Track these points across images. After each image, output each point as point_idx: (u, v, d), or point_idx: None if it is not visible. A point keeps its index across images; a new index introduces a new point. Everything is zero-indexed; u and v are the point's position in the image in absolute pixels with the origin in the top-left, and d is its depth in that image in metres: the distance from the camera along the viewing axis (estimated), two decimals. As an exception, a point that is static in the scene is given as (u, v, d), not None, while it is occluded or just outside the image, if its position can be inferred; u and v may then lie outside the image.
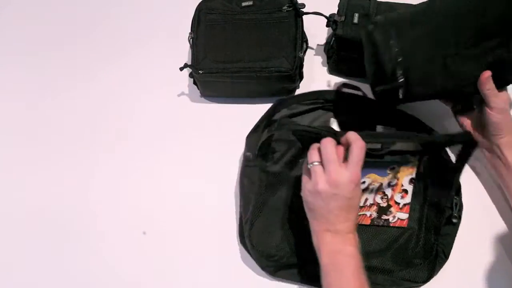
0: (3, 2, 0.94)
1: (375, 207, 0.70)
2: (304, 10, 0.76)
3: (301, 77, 0.77)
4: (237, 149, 0.75)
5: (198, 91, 0.80)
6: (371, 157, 0.67)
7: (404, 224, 0.69)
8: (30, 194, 0.75)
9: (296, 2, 0.75)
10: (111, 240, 0.71)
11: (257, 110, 0.74)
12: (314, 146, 0.58)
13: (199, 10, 0.78)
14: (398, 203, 0.69)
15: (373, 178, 0.69)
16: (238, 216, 0.70)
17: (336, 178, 0.54)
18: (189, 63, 0.75)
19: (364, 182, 0.69)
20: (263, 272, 0.67)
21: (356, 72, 0.80)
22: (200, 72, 0.73)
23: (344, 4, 0.75)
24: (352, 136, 0.56)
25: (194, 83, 0.78)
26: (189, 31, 0.77)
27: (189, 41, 0.77)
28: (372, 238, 0.69)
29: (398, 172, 0.69)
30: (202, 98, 0.81)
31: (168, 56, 0.84)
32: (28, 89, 0.85)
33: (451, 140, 0.64)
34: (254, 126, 0.71)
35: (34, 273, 0.70)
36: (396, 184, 0.69)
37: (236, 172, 0.74)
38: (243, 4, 0.77)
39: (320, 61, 0.84)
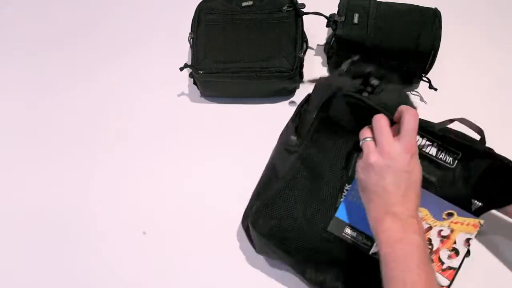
0: (4, 2, 0.94)
1: None
2: (304, 10, 0.76)
3: (301, 77, 0.77)
4: (238, 149, 0.75)
5: (198, 91, 0.80)
6: (428, 187, 0.58)
7: None
8: (30, 194, 0.75)
9: (296, 2, 0.75)
10: (111, 240, 0.71)
11: (257, 110, 0.74)
12: (367, 126, 0.56)
13: (199, 10, 0.78)
14: (442, 262, 0.57)
15: (423, 215, 0.58)
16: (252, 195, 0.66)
17: (389, 149, 0.51)
18: (189, 63, 0.75)
19: None
20: (263, 273, 0.67)
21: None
22: (200, 72, 0.73)
23: (344, 4, 0.75)
24: (403, 107, 0.53)
25: (194, 83, 0.78)
26: (189, 31, 0.77)
27: (189, 41, 0.77)
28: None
29: (455, 222, 0.58)
30: (202, 98, 0.81)
31: (168, 56, 0.84)
32: (28, 89, 0.85)
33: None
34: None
35: (34, 273, 0.69)
36: (448, 237, 0.58)
37: (237, 172, 0.74)
38: (243, 4, 0.77)
39: (320, 61, 0.84)
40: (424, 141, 0.60)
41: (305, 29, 0.77)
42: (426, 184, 0.58)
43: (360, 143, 0.55)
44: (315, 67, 0.83)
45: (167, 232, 0.71)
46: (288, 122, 0.66)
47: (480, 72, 0.83)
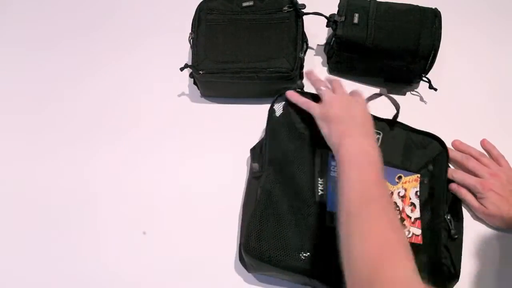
0: (4, 1, 0.94)
1: None
2: (304, 10, 0.76)
3: (301, 77, 0.77)
4: (238, 149, 0.75)
5: (198, 91, 0.80)
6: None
7: (419, 240, 0.65)
8: (30, 194, 0.75)
9: (297, 3, 0.75)
10: (111, 240, 0.71)
11: (257, 110, 0.74)
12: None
13: (199, 10, 0.78)
14: (409, 217, 0.67)
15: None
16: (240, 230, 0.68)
17: (345, 91, 0.67)
18: (190, 63, 0.75)
19: None
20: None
21: (357, 72, 0.81)
22: (201, 72, 0.73)
23: (344, 4, 0.75)
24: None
25: (194, 83, 0.78)
26: (190, 31, 0.77)
27: (189, 41, 0.77)
28: None
29: (404, 182, 0.68)
30: (202, 98, 0.81)
31: (168, 56, 0.84)
32: (29, 88, 0.84)
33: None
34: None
35: (34, 273, 0.69)
36: (404, 196, 0.68)
37: (237, 171, 0.74)
38: (244, 4, 0.77)
39: (320, 61, 0.84)
40: None
41: (305, 29, 0.77)
42: None
43: (319, 92, 0.68)
44: (315, 67, 0.83)
45: (167, 232, 0.71)
46: (250, 150, 0.72)
47: (480, 73, 0.83)
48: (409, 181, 0.68)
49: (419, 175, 0.69)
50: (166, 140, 0.78)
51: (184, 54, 0.84)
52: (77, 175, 0.76)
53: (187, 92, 0.82)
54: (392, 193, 0.68)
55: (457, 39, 0.83)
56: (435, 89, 0.76)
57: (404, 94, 0.81)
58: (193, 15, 0.78)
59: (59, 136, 0.80)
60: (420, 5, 0.75)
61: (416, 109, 0.79)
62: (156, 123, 0.80)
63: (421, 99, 0.80)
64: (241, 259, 0.66)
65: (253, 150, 0.71)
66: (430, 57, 0.72)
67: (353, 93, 0.68)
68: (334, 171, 0.67)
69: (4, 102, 0.84)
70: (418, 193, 0.68)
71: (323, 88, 0.68)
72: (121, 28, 0.90)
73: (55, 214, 0.73)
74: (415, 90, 0.81)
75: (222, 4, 0.77)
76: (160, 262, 0.69)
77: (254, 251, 0.61)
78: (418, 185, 0.69)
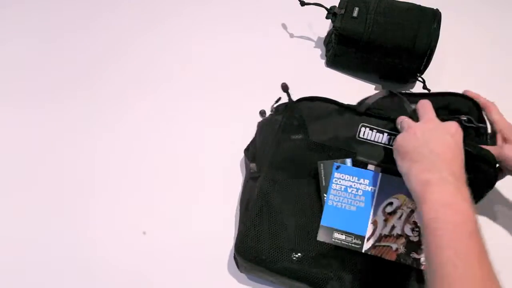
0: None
1: (403, 240, 0.59)
2: (306, 0, 0.76)
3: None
4: (238, 148, 0.74)
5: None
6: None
7: None
8: (30, 193, 0.74)
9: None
10: (111, 240, 0.70)
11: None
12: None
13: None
14: None
15: (402, 201, 0.60)
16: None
17: (433, 117, 0.53)
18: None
19: (391, 204, 0.60)
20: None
21: (353, 67, 0.81)
22: None
23: (346, -3, 0.75)
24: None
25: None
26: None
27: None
28: (396, 280, 0.58)
29: None
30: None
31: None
32: (25, 91, 0.84)
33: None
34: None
35: (33, 273, 0.69)
36: None
37: (239, 171, 0.74)
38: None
39: (319, 54, 0.84)
40: (374, 133, 0.64)
41: (306, 21, 0.77)
42: (391, 173, 0.61)
43: (398, 126, 0.58)
44: (313, 59, 0.84)
45: (167, 232, 0.70)
46: (244, 151, 0.70)
47: (476, 77, 0.82)
48: None
49: None
50: (165, 140, 0.78)
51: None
52: (77, 174, 0.75)
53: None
54: (412, 210, 0.59)
55: (456, 41, 0.83)
56: (429, 90, 0.76)
57: (399, 93, 0.81)
58: None
59: (59, 134, 0.79)
60: (422, 5, 0.75)
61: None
62: (156, 123, 0.79)
63: (415, 99, 0.80)
64: (235, 258, 0.65)
65: (247, 151, 0.70)
66: (426, 57, 0.72)
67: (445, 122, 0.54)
68: (336, 183, 0.63)
69: (4, 102, 0.84)
70: None
71: (402, 117, 0.58)
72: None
73: (55, 214, 0.72)
74: (410, 89, 0.81)
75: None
76: (160, 262, 0.69)
77: (246, 252, 0.61)
78: None
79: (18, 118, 0.81)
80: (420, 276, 0.58)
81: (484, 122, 0.65)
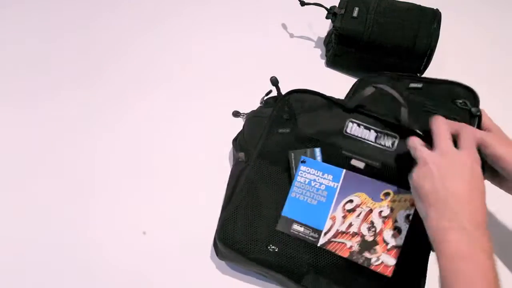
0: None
1: (358, 238, 0.59)
2: (306, 0, 0.76)
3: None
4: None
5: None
6: (366, 173, 0.61)
7: (388, 272, 0.56)
8: (30, 194, 0.74)
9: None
10: (111, 240, 0.70)
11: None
12: (412, 136, 0.55)
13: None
14: (386, 242, 0.58)
15: (362, 199, 0.60)
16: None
17: (448, 148, 0.47)
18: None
19: (351, 201, 0.61)
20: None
21: (353, 67, 0.81)
22: None
23: (346, -3, 0.75)
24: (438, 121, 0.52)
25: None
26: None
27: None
28: (345, 276, 0.59)
29: (393, 201, 0.59)
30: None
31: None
32: (23, 90, 0.84)
33: None
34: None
35: (33, 273, 0.68)
36: (388, 217, 0.59)
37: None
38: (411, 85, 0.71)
39: (319, 54, 0.85)
40: (361, 129, 0.64)
41: (306, 21, 0.77)
42: (370, 170, 0.62)
43: (412, 153, 0.53)
44: (313, 59, 0.84)
45: (167, 232, 0.70)
46: (232, 142, 0.71)
47: (476, 77, 0.81)
48: (399, 201, 0.59)
49: None
50: (165, 139, 0.77)
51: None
52: (77, 174, 0.75)
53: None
54: (371, 210, 0.59)
55: (457, 41, 0.83)
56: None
57: (399, 93, 0.81)
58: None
59: (59, 134, 0.78)
60: (422, 5, 0.75)
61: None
62: (155, 122, 0.79)
63: (415, 99, 0.80)
64: (215, 245, 0.66)
65: (235, 142, 0.71)
66: (426, 57, 0.72)
67: (463, 145, 0.50)
68: (301, 176, 0.63)
69: (5, 102, 0.83)
70: (411, 218, 0.58)
71: (417, 144, 0.53)
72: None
73: (55, 214, 0.72)
74: (410, 89, 0.81)
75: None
76: (160, 262, 0.69)
77: (227, 239, 0.61)
78: (414, 209, 0.57)
79: (18, 118, 0.81)
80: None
81: (478, 106, 0.65)
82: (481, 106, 0.78)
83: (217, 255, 0.66)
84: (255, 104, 0.77)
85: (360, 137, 0.64)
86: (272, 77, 0.68)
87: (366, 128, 0.64)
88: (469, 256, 0.43)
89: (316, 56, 0.84)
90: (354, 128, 0.64)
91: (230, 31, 0.87)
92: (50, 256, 0.70)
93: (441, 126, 0.52)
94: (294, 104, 0.67)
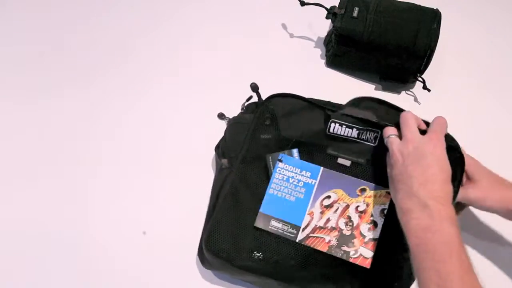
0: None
1: (336, 233, 0.61)
2: (306, 0, 0.76)
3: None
4: None
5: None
6: (342, 171, 0.63)
7: (367, 264, 0.59)
8: (30, 194, 0.74)
9: None
10: (111, 240, 0.70)
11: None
12: (390, 125, 0.59)
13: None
14: (363, 236, 0.60)
15: (339, 195, 0.62)
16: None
17: (412, 137, 0.52)
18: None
19: (329, 197, 0.62)
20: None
21: (353, 67, 0.81)
22: None
23: (346, -3, 0.75)
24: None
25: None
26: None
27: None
28: (325, 269, 0.60)
29: (368, 196, 0.62)
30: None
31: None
32: (23, 91, 0.84)
33: None
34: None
35: (33, 273, 0.68)
36: (365, 212, 0.61)
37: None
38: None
39: (319, 54, 0.85)
40: (343, 128, 0.64)
41: (306, 21, 0.76)
42: (355, 167, 0.63)
43: (385, 141, 0.57)
44: (313, 59, 0.84)
45: (167, 232, 0.70)
46: (215, 149, 0.71)
47: (476, 77, 0.82)
48: (375, 196, 0.61)
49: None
50: (165, 138, 0.78)
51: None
52: (77, 174, 0.75)
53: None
54: (348, 205, 0.61)
55: (457, 41, 0.83)
56: (429, 90, 0.76)
57: (399, 93, 0.81)
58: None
59: (59, 135, 0.79)
60: (422, 5, 0.75)
61: (410, 109, 0.78)
62: (155, 122, 0.79)
63: (416, 99, 0.80)
64: (199, 253, 0.66)
65: (217, 149, 0.71)
66: (426, 57, 0.72)
67: (428, 131, 0.55)
68: (279, 173, 0.64)
69: (4, 103, 0.83)
70: (386, 212, 0.60)
71: (389, 134, 0.57)
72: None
73: (55, 214, 0.72)
74: (410, 90, 0.81)
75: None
76: (160, 262, 0.69)
77: (213, 248, 0.61)
78: (389, 203, 0.60)
79: (18, 117, 0.81)
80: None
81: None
82: (481, 107, 0.79)
83: (202, 263, 0.66)
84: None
85: (344, 135, 0.64)
86: (252, 83, 0.68)
87: (348, 127, 0.64)
88: (432, 226, 0.46)
89: (316, 56, 0.84)
90: (336, 128, 0.65)
91: (230, 32, 0.87)
92: (50, 256, 0.70)
93: (408, 118, 0.56)
94: (275, 108, 0.67)
